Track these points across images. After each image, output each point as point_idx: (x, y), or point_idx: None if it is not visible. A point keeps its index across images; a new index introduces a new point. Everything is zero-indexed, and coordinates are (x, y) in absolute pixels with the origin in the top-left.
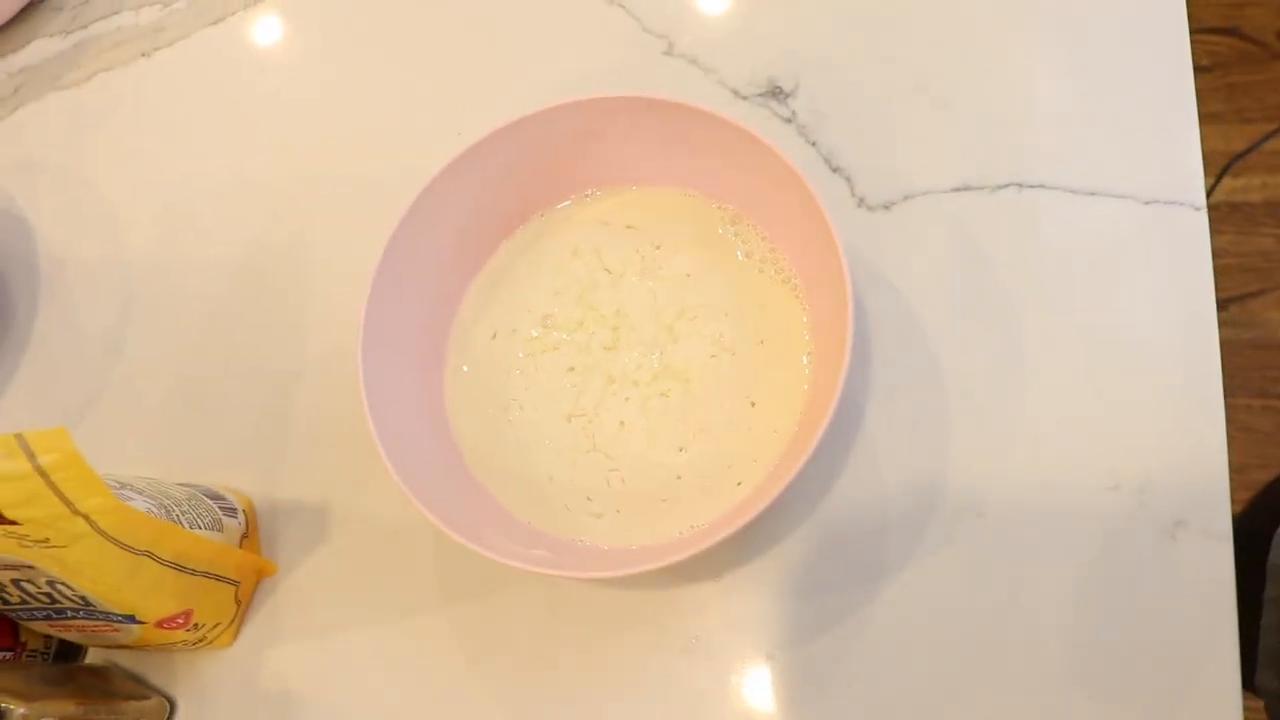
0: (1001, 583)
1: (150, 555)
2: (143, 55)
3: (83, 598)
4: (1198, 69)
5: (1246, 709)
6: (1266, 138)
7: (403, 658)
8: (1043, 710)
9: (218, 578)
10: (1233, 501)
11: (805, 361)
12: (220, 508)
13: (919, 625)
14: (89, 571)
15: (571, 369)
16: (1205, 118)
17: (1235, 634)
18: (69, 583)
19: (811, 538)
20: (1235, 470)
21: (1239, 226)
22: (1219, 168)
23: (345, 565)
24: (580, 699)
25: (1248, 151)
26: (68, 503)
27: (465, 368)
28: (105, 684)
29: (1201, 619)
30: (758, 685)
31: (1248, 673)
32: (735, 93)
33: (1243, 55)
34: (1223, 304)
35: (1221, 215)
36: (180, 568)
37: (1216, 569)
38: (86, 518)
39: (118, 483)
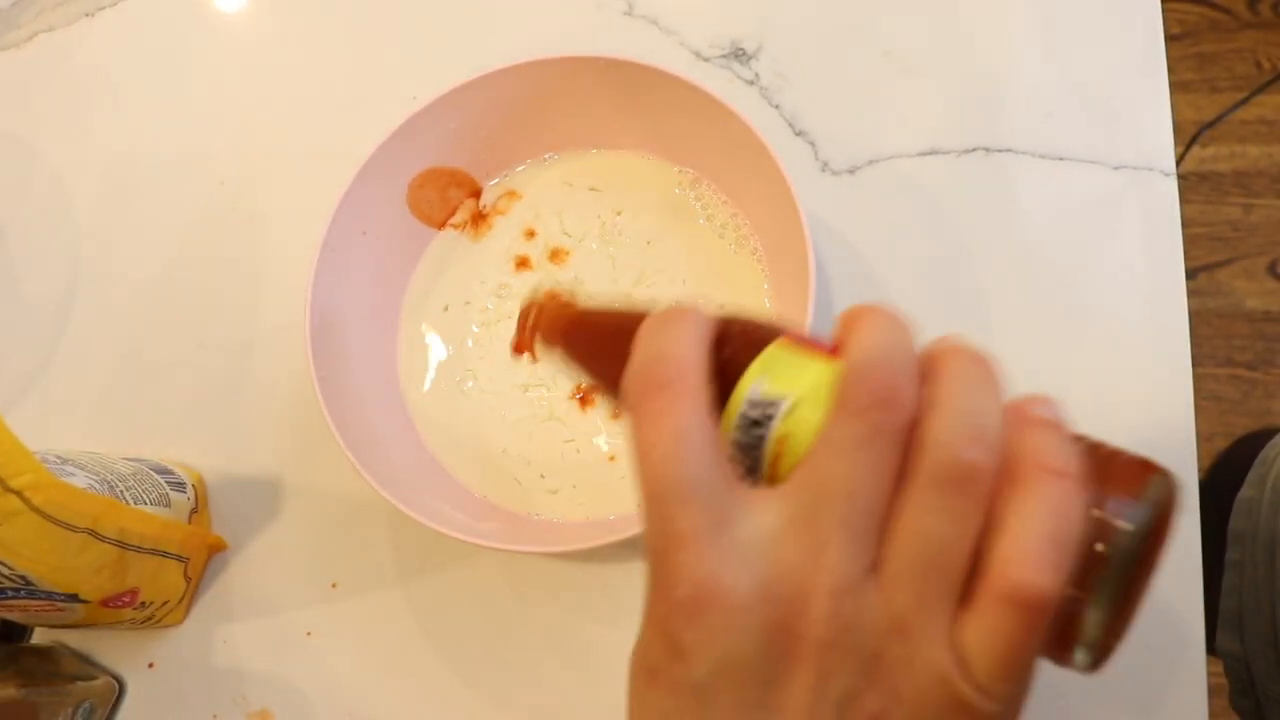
0: None
1: (91, 533)
2: (86, 15)
3: (23, 577)
4: (1168, 37)
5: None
6: (1235, 106)
7: (358, 633)
8: None
9: (165, 554)
10: (1198, 470)
11: None
12: (168, 482)
13: None
14: (26, 550)
15: None
16: (1175, 86)
17: (1201, 603)
18: (7, 562)
19: None
20: (1202, 439)
21: (1207, 196)
22: (1188, 137)
23: (299, 540)
24: (538, 672)
25: (1217, 120)
26: None
27: (419, 338)
28: (51, 665)
29: (1168, 589)
30: None
31: (1208, 635)
32: (697, 54)
33: (1213, 24)
34: (1190, 273)
35: (1190, 185)
36: (125, 545)
37: (1183, 539)
38: (19, 495)
39: (58, 458)
